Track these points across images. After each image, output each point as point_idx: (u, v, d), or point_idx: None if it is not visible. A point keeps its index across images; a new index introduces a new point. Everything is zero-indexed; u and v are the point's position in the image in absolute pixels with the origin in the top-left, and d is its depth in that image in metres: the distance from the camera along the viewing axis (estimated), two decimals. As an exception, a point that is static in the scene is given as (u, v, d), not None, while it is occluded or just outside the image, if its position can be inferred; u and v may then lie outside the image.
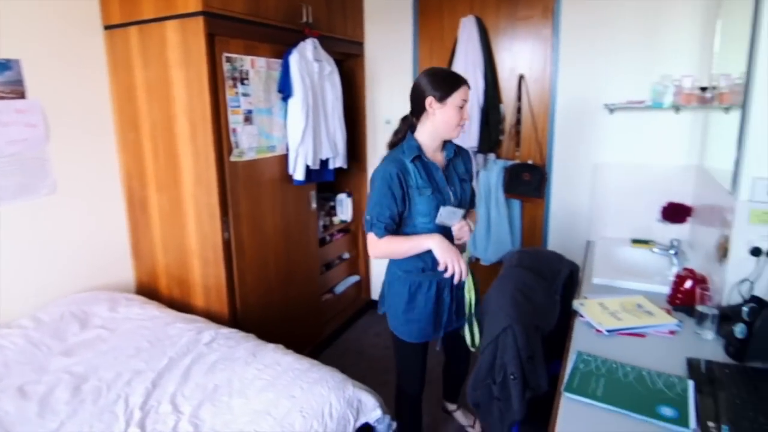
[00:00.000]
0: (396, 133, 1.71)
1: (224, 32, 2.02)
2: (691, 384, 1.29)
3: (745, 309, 1.45)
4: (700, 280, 1.83)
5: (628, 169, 2.52)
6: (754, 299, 1.46)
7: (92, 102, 2.23)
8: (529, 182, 2.70)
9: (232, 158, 2.14)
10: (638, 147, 2.49)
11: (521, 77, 2.67)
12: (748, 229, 1.60)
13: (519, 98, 2.68)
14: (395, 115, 3.09)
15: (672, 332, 1.60)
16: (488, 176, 2.81)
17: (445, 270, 1.53)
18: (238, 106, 2.13)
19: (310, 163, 2.41)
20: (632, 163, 2.51)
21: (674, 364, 1.41)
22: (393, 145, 1.69)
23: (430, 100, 1.57)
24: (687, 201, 2.43)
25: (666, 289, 1.91)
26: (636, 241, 2.51)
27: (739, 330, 1.45)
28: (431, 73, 1.60)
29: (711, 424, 1.14)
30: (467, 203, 1.70)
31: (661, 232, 2.50)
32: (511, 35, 2.68)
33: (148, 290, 2.44)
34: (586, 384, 1.30)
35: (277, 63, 2.30)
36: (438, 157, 1.66)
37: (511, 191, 2.75)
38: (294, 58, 2.24)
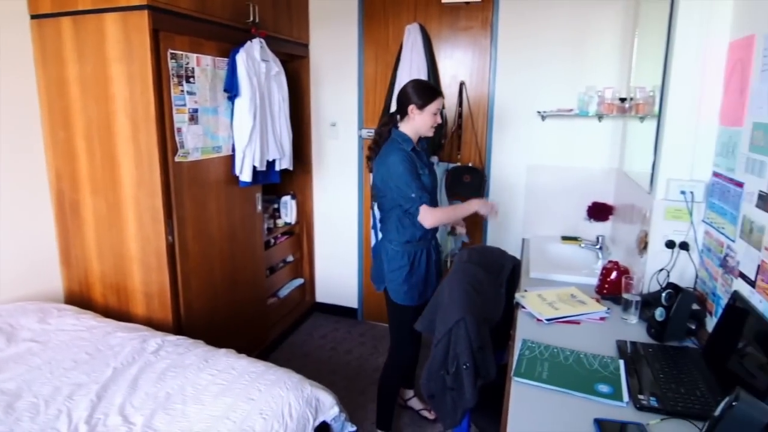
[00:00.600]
0: (384, 124, 2.07)
1: (169, 28, 1.96)
2: (621, 363, 1.44)
3: (663, 295, 1.65)
4: (624, 271, 2.04)
5: (557, 172, 2.74)
6: (671, 286, 1.66)
7: (15, 96, 2.05)
8: (469, 184, 2.84)
9: (177, 159, 2.06)
10: (567, 151, 2.72)
11: (462, 84, 2.81)
12: (664, 225, 1.82)
13: (460, 104, 2.82)
14: (341, 118, 3.16)
15: (602, 318, 1.78)
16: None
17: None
18: (184, 105, 2.07)
19: (257, 164, 2.38)
20: (561, 166, 2.74)
21: (606, 346, 1.57)
22: (379, 133, 2.05)
23: (412, 107, 1.93)
24: (609, 201, 2.69)
25: (594, 281, 2.11)
26: (565, 238, 2.73)
27: (658, 314, 1.64)
28: (415, 84, 1.98)
29: (641, 396, 1.28)
30: (438, 184, 2.13)
31: (587, 230, 2.74)
32: (453, 44, 2.81)
33: (79, 299, 2.28)
34: (533, 368, 1.41)
35: (223, 62, 2.25)
36: (418, 148, 2.03)
37: (452, 192, 2.88)
38: (241, 57, 2.21)
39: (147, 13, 1.84)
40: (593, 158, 2.69)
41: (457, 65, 2.83)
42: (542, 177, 2.78)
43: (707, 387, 1.30)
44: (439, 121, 1.98)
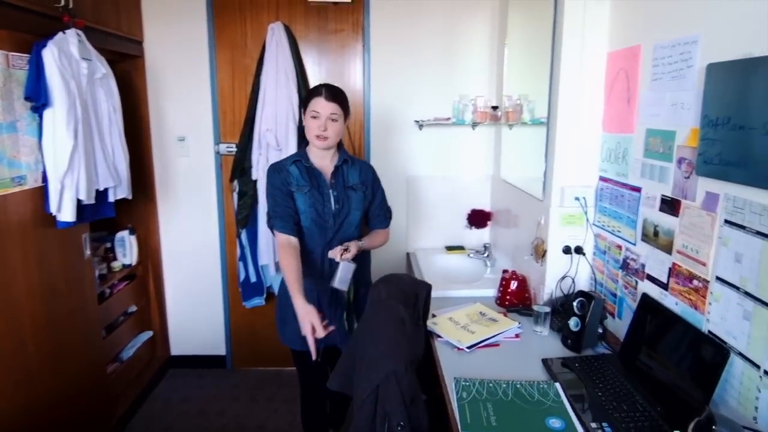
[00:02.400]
0: None
1: None
2: (558, 387, 1.35)
3: (575, 304, 1.63)
4: (522, 281, 2.02)
5: (436, 182, 2.69)
6: (582, 294, 1.65)
7: None
8: (349, 201, 2.61)
9: (-51, 197, 1.40)
10: (444, 160, 2.67)
11: (334, 92, 2.57)
12: (560, 231, 1.83)
13: (333, 114, 2.57)
14: (191, 131, 2.63)
15: (517, 335, 1.70)
16: (307, 198, 2.60)
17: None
18: (-44, 118, 1.41)
19: (82, 197, 1.78)
20: (440, 176, 2.69)
21: (533, 367, 1.49)
22: None
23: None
24: (486, 208, 2.72)
25: (490, 292, 2.06)
26: (450, 248, 2.68)
27: (573, 324, 1.61)
28: None
29: (594, 425, 1.20)
30: (353, 209, 1.77)
31: (468, 237, 2.74)
32: (323, 48, 2.55)
33: None
34: (478, 416, 1.25)
35: (23, 59, 1.62)
36: (325, 163, 1.76)
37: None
38: (50, 54, 1.62)
39: None
40: (469, 166, 2.69)
41: (328, 70, 2.58)
42: (422, 188, 2.69)
43: (642, 397, 1.28)
44: (321, 128, 1.66)
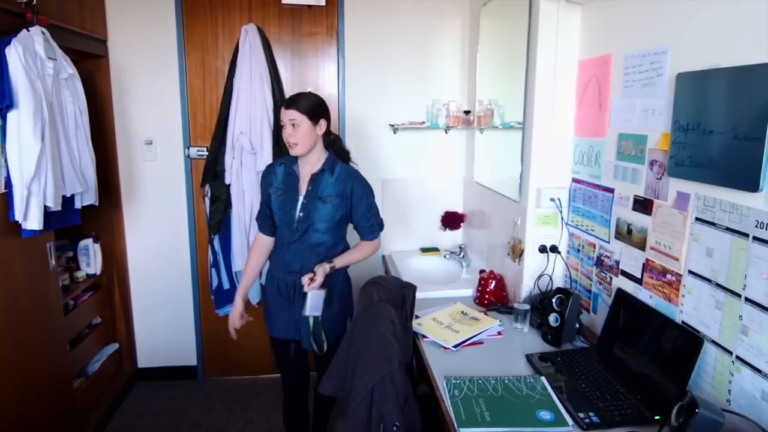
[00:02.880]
0: None
1: None
2: (544, 381, 1.41)
3: (554, 301, 1.70)
4: (500, 279, 2.08)
5: (410, 184, 2.72)
6: (560, 291, 1.72)
7: None
8: (324, 205, 2.60)
9: None
10: (418, 163, 2.71)
11: (309, 96, 2.55)
12: (536, 231, 1.90)
13: (308, 118, 2.55)
14: (159, 134, 2.54)
15: (500, 333, 1.76)
16: (282, 202, 2.57)
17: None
18: None
19: (50, 204, 1.69)
20: (414, 179, 2.72)
21: (517, 363, 1.55)
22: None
23: None
24: (459, 209, 2.78)
25: (468, 291, 2.12)
26: (424, 250, 2.72)
27: (553, 320, 1.68)
28: None
29: (581, 415, 1.26)
30: (316, 220, 1.77)
31: (441, 239, 2.79)
32: (297, 51, 2.53)
33: None
34: (472, 412, 1.28)
35: (-20, 57, 1.52)
36: (306, 170, 1.79)
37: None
38: (15, 52, 1.52)
39: None
40: (442, 169, 2.74)
41: (302, 74, 2.56)
42: (396, 191, 2.72)
43: (623, 386, 1.36)
44: (288, 137, 1.71)
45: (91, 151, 2.00)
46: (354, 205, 1.82)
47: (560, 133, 1.85)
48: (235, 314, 1.89)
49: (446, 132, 2.65)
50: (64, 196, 1.82)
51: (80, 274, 2.41)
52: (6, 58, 1.53)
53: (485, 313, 1.89)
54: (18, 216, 1.62)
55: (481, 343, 1.69)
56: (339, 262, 1.80)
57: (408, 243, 2.76)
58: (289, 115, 1.69)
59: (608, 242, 1.65)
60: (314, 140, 1.74)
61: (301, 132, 1.70)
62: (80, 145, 1.92)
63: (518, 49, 1.89)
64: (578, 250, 1.84)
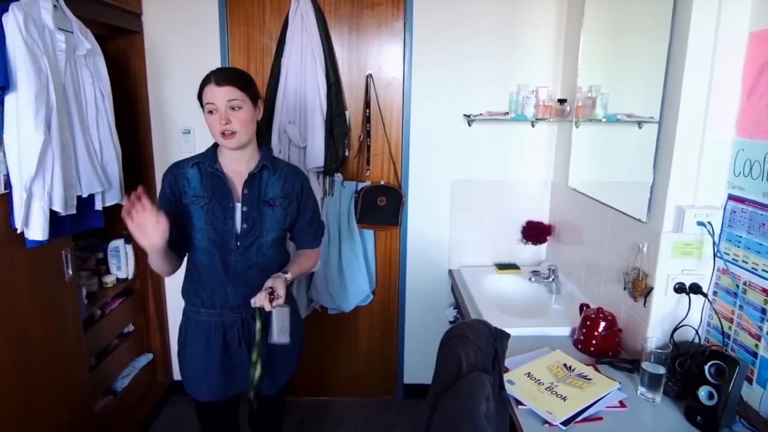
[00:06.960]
0: None
1: None
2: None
3: (708, 369, 1.22)
4: (611, 321, 1.61)
5: (486, 187, 2.28)
6: (715, 354, 1.24)
7: None
8: (384, 208, 2.21)
9: None
10: (496, 162, 2.26)
11: (369, 78, 2.14)
12: (672, 263, 1.42)
13: (368, 105, 2.15)
14: (197, 122, 2.21)
15: (622, 403, 1.30)
16: (336, 204, 2.20)
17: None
18: None
19: (57, 208, 1.39)
20: (490, 180, 2.28)
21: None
22: None
23: None
24: (545, 220, 2.31)
25: (565, 330, 1.67)
26: (501, 267, 2.27)
27: (705, 395, 1.21)
28: None
29: None
30: (266, 230, 1.40)
31: (521, 255, 2.34)
32: (356, 26, 2.12)
33: None
34: None
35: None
36: (239, 168, 1.39)
37: (364, 220, 2.21)
38: (13, 21, 1.21)
39: None
40: (526, 170, 2.27)
41: (361, 54, 2.15)
42: (469, 195, 2.28)
43: None
44: (223, 123, 1.28)
45: (116, 141, 1.70)
46: (302, 207, 1.46)
47: (715, 132, 1.35)
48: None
49: (533, 125, 2.18)
50: (80, 197, 1.52)
51: (110, 279, 2.15)
52: (3, 28, 1.21)
53: (595, 368, 1.45)
54: (18, 223, 1.32)
55: (600, 418, 1.25)
56: (294, 272, 1.41)
57: (480, 257, 2.33)
58: (227, 94, 1.28)
59: (793, 291, 1.15)
60: (254, 128, 1.37)
61: (243, 115, 1.31)
62: (102, 135, 1.61)
63: (645, 19, 1.40)
64: (735, 294, 1.34)
